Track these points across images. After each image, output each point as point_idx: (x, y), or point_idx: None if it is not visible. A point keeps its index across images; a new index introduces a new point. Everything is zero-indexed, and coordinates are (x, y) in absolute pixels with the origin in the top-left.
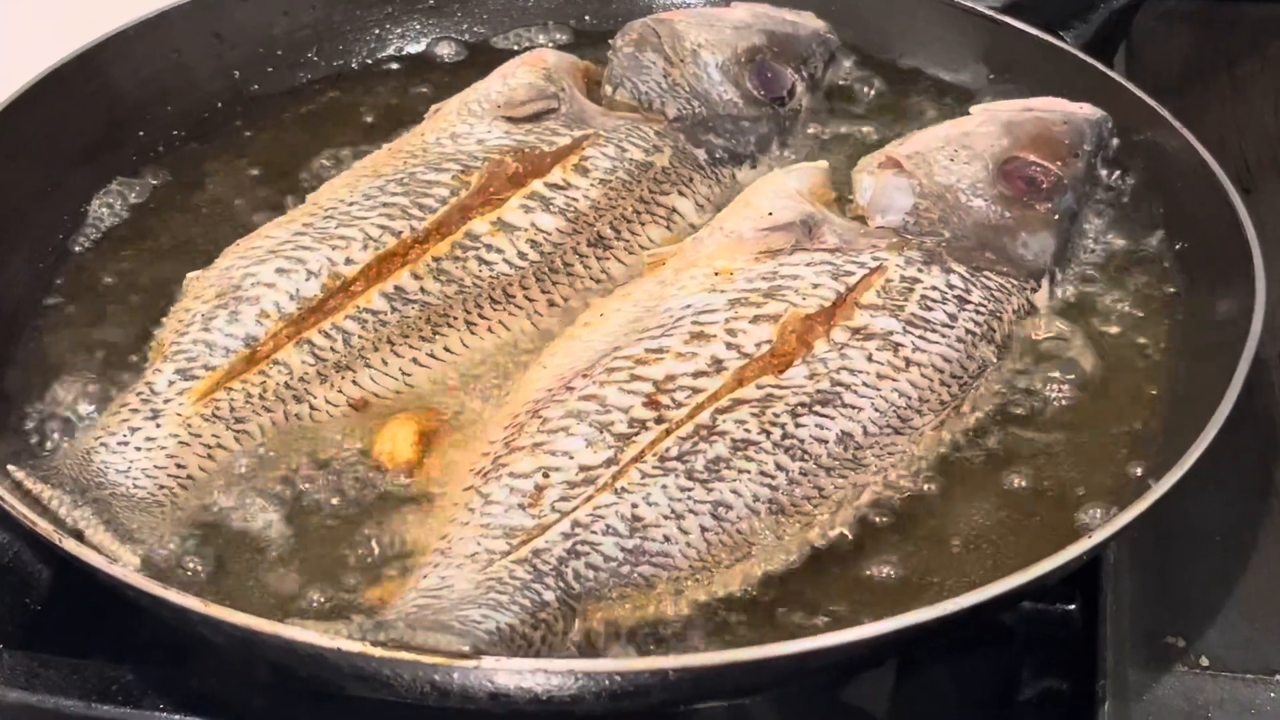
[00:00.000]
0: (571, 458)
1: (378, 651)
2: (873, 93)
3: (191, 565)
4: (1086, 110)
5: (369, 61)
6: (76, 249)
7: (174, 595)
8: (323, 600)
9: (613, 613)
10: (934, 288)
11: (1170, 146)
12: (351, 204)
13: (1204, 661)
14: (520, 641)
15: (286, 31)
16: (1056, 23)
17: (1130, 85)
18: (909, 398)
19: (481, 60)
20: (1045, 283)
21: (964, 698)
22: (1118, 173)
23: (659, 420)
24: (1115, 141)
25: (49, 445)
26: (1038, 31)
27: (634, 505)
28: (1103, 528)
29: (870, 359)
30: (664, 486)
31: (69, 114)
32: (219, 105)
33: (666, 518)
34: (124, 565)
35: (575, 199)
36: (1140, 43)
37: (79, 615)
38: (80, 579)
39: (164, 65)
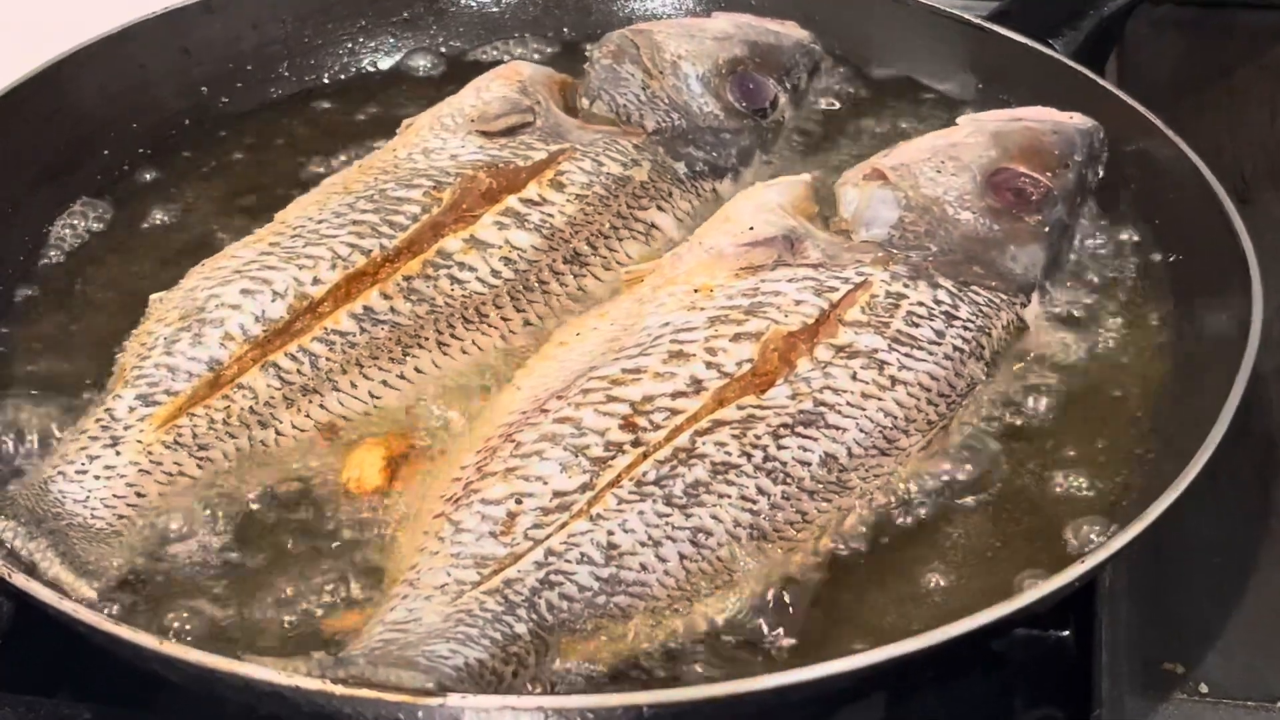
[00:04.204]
0: (545, 483)
1: (338, 689)
2: (857, 104)
3: (150, 597)
4: (1077, 120)
5: (341, 76)
6: (38, 271)
7: (127, 632)
8: (286, 633)
9: (587, 645)
10: (920, 303)
11: (1163, 156)
12: (320, 222)
13: (1203, 689)
14: (490, 677)
15: (256, 46)
16: (1046, 30)
17: (1122, 94)
18: (895, 417)
19: (456, 74)
20: (1035, 297)
21: None
22: (1109, 182)
23: (636, 443)
24: (1106, 152)
25: (3, 472)
26: (1026, 39)
27: (610, 532)
28: (1095, 552)
29: (855, 377)
30: (641, 513)
31: (30, 133)
32: (186, 122)
33: (644, 545)
34: (78, 600)
35: (551, 215)
36: (1132, 50)
37: (42, 651)
38: (42, 613)
39: (129, 82)
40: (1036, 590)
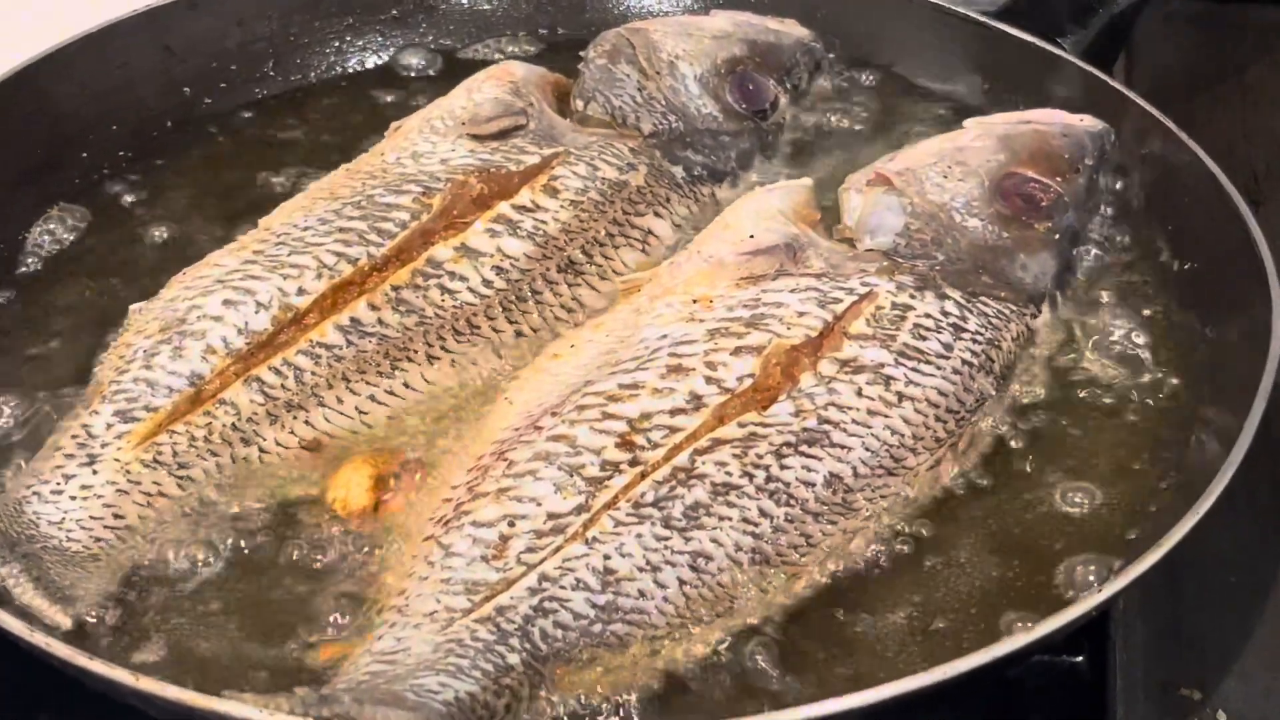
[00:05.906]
0: (539, 504)
1: None
2: (860, 105)
3: (126, 625)
4: (1087, 122)
5: (328, 76)
6: (14, 279)
7: (101, 667)
8: (269, 664)
9: (582, 676)
10: (928, 315)
11: (1176, 159)
12: (305, 229)
13: (1221, 715)
14: (482, 711)
15: (241, 44)
16: (1054, 29)
17: (1133, 95)
18: (902, 435)
19: (447, 74)
20: (1046, 307)
21: None
22: (1121, 187)
23: (633, 463)
24: (1117, 155)
25: None
26: (1034, 38)
27: (606, 557)
28: (1111, 581)
29: (860, 393)
30: (639, 536)
31: (6, 136)
32: (168, 124)
33: (641, 570)
34: (52, 629)
35: (544, 222)
36: (1141, 47)
37: (20, 672)
38: None
39: (110, 82)
40: (1046, 625)
